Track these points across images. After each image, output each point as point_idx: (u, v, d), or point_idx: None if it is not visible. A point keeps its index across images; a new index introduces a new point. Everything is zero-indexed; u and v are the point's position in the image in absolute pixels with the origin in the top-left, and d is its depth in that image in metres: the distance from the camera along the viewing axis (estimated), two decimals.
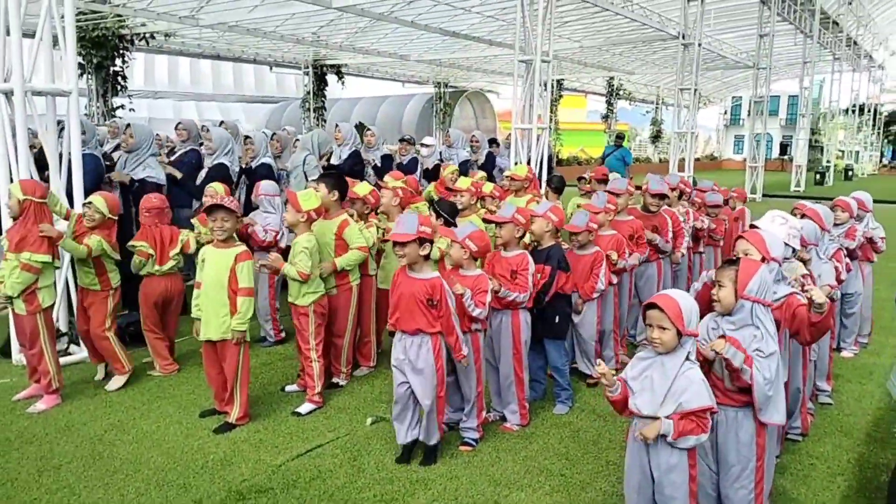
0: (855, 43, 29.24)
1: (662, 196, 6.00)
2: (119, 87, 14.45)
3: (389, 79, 24.35)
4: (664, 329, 2.71)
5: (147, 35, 14.64)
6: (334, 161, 8.72)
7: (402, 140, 9.47)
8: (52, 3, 4.97)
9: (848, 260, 4.93)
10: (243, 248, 4.25)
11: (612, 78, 29.96)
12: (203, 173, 7.03)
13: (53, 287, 4.48)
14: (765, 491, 3.07)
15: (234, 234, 4.29)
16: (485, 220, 4.78)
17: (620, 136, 15.85)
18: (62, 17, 5.01)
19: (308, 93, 20.38)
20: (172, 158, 7.64)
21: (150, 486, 3.51)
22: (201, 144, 7.98)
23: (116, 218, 4.77)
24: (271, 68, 21.92)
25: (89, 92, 14.18)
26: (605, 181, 7.26)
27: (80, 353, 5.26)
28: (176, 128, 7.88)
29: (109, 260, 4.70)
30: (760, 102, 19.80)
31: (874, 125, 37.59)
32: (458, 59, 21.87)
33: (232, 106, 32.49)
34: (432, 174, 8.72)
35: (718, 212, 7.20)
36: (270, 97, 33.25)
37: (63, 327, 5.35)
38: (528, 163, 10.32)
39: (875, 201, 6.04)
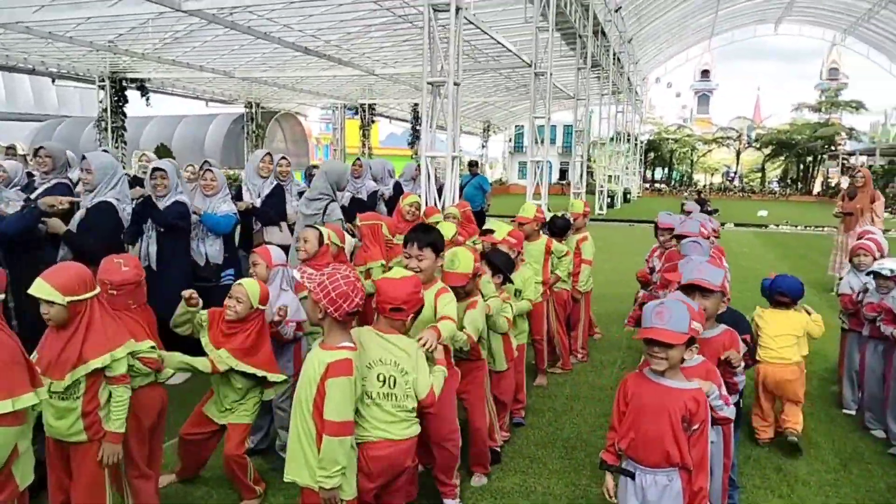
0: (629, 79, 32.31)
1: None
2: None
3: (192, 97, 21.64)
4: None
5: None
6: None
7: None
8: None
9: None
10: (345, 354, 2.65)
11: (416, 105, 29.89)
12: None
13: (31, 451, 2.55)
14: None
15: (336, 327, 2.74)
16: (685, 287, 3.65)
17: (475, 164, 15.39)
18: None
19: (104, 110, 17.26)
20: (34, 195, 5.47)
21: None
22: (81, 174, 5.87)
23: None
24: (53, 81, 18.29)
25: None
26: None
27: None
28: (36, 153, 5.69)
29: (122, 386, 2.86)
30: (581, 131, 20.70)
31: (638, 153, 41.97)
32: (271, 77, 20.09)
33: None
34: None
35: None
36: (26, 114, 28.35)
37: None
38: (440, 192, 9.39)
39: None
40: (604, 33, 23.55)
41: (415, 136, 31.00)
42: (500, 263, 4.21)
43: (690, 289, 3.33)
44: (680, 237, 4.77)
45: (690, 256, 3.81)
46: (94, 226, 4.20)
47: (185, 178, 6.12)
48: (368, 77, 20.29)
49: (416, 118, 30.62)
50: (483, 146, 40.00)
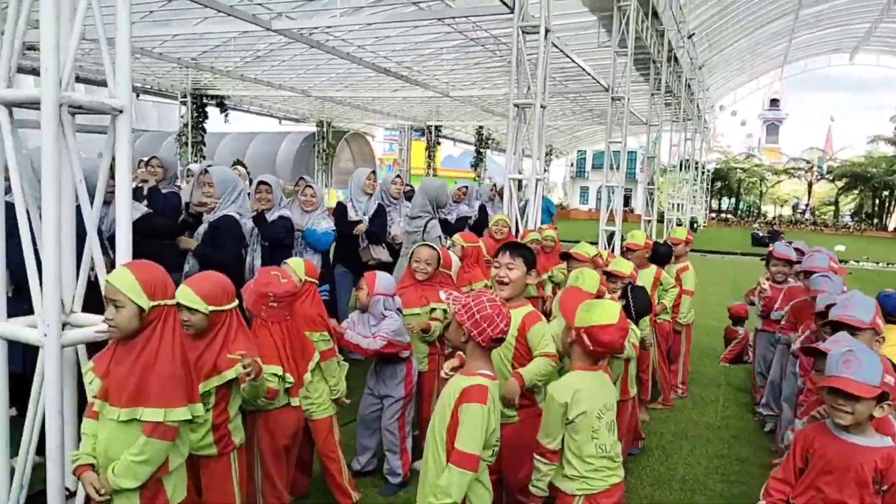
0: (698, 106, 31.74)
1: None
2: None
3: (265, 114, 22.17)
4: None
5: None
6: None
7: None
8: None
9: None
10: (482, 381, 2.46)
11: (481, 127, 29.99)
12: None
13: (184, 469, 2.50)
14: None
15: (477, 352, 2.60)
16: (831, 324, 3.16)
17: None
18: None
19: (185, 125, 17.79)
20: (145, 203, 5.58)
21: None
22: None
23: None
24: (138, 95, 18.95)
25: None
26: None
27: None
28: (148, 162, 5.79)
29: (240, 392, 2.77)
30: (652, 157, 20.30)
31: (704, 181, 41.14)
32: (345, 97, 20.39)
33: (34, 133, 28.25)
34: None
35: None
36: (108, 126, 29.50)
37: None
38: (523, 215, 9.25)
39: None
40: (676, 59, 23.21)
41: (478, 158, 31.07)
42: (639, 305, 4.06)
43: (837, 327, 3.12)
44: (808, 273, 4.51)
45: (851, 293, 3.53)
46: (217, 239, 4.22)
47: None
48: (437, 99, 20.43)
49: (480, 140, 30.72)
50: (545, 170, 39.83)
